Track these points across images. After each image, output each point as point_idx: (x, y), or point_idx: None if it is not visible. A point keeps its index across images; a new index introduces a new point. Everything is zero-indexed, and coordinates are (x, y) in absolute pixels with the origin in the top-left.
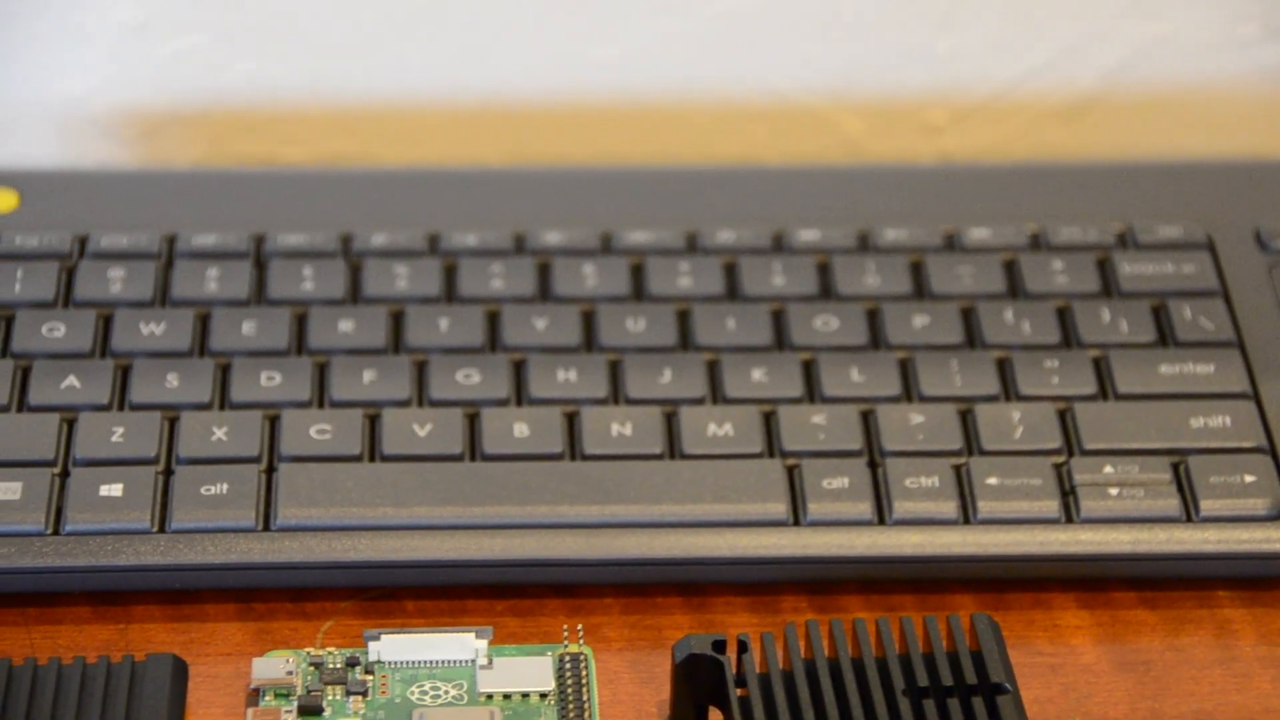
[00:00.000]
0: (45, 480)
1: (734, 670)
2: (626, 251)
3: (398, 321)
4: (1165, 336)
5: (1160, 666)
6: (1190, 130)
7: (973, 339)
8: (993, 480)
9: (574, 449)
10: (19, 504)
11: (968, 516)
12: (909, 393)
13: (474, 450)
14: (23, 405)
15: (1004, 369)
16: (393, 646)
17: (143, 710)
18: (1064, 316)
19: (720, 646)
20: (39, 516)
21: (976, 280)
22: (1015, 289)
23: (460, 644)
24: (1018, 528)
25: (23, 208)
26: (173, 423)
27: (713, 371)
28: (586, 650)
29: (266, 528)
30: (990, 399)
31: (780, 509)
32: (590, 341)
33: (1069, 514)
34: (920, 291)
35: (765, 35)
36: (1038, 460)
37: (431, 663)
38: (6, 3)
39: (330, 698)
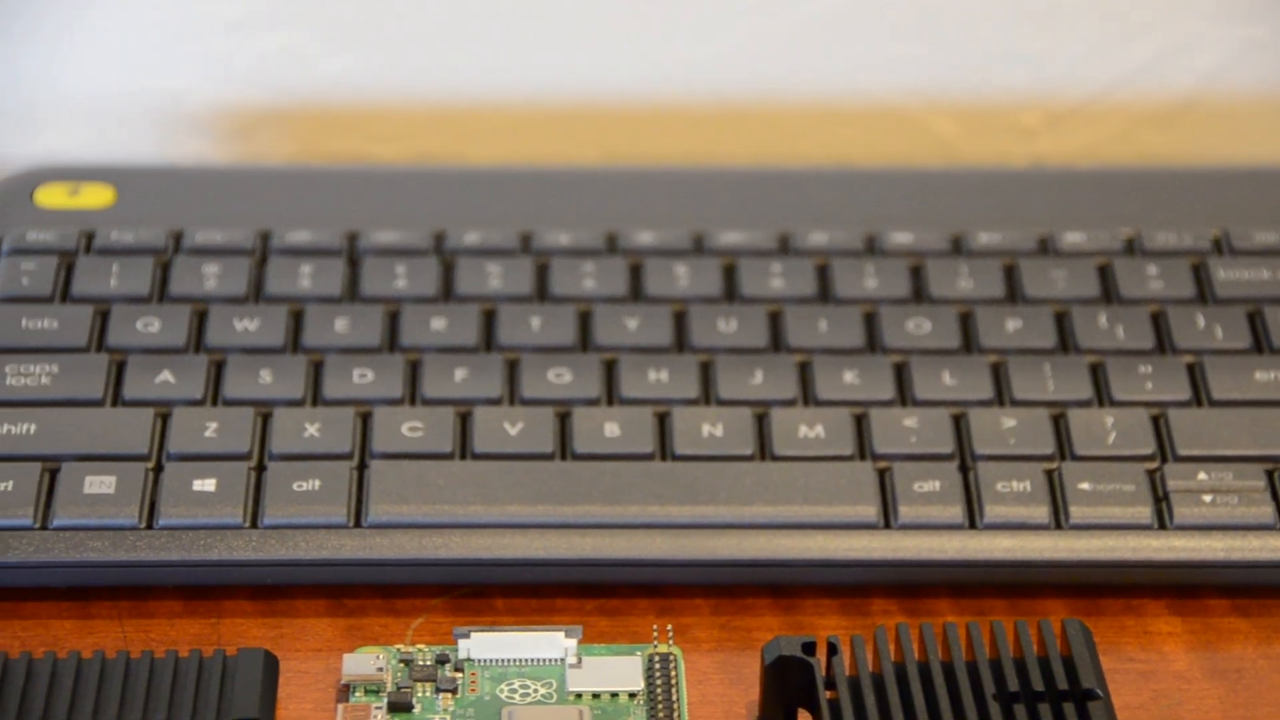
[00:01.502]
0: (139, 474)
1: (824, 672)
2: (718, 252)
3: (489, 320)
4: (1260, 343)
5: (1253, 675)
6: None
7: (1066, 343)
8: (1085, 485)
9: (665, 449)
10: (113, 498)
11: (1060, 521)
12: (1001, 396)
13: (565, 449)
14: (117, 399)
15: (1097, 374)
16: (482, 644)
17: (234, 704)
18: (1158, 322)
19: (810, 648)
20: (133, 510)
21: (1070, 284)
22: (1109, 294)
23: (550, 642)
24: (1110, 533)
25: (119, 203)
26: (265, 418)
27: (804, 373)
28: (676, 650)
29: (358, 524)
30: (1083, 404)
31: (871, 512)
32: (681, 342)
33: (1162, 520)
34: (1013, 295)
35: (858, 36)
36: (1131, 466)
37: (521, 661)
38: (104, 0)
39: (420, 695)
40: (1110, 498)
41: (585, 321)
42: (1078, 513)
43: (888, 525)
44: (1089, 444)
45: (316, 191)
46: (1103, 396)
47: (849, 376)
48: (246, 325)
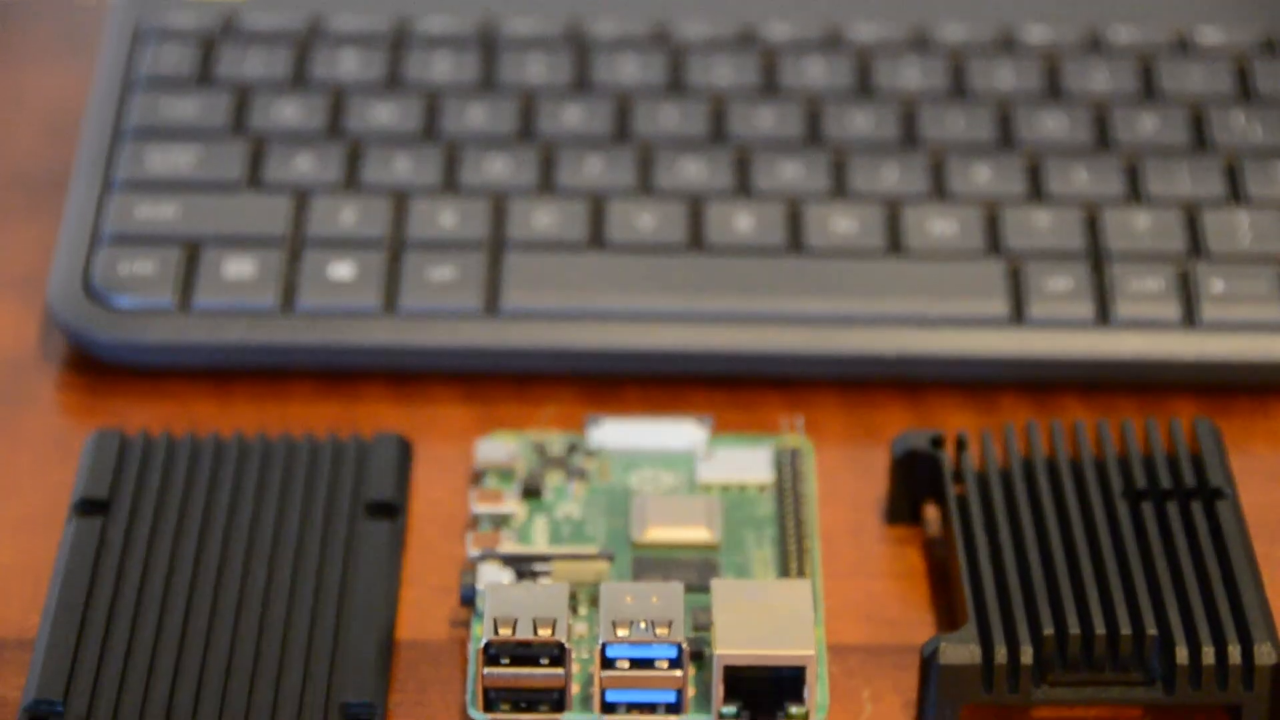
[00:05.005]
0: (277, 259)
1: (952, 467)
2: (852, 45)
3: (624, 111)
4: None
5: None
6: None
7: (1202, 141)
8: (1218, 284)
9: (796, 243)
10: (252, 281)
11: (1191, 320)
12: (1135, 194)
13: (697, 242)
14: (256, 183)
15: (1232, 172)
16: (614, 433)
17: (369, 487)
18: None
19: (938, 443)
20: (271, 294)
21: (1207, 81)
22: (1246, 91)
23: (681, 432)
24: (1241, 333)
25: None
26: (402, 206)
27: (937, 168)
28: (806, 443)
29: (492, 312)
30: (1217, 202)
31: (1001, 308)
32: (815, 135)
33: None
34: (1149, 92)
35: None
36: (1265, 266)
37: (652, 451)
38: None
39: (551, 482)
40: (1243, 297)
41: (718, 114)
42: (1210, 312)
43: (1018, 322)
44: (1222, 242)
45: None
46: (1238, 194)
47: (982, 172)
48: (383, 112)
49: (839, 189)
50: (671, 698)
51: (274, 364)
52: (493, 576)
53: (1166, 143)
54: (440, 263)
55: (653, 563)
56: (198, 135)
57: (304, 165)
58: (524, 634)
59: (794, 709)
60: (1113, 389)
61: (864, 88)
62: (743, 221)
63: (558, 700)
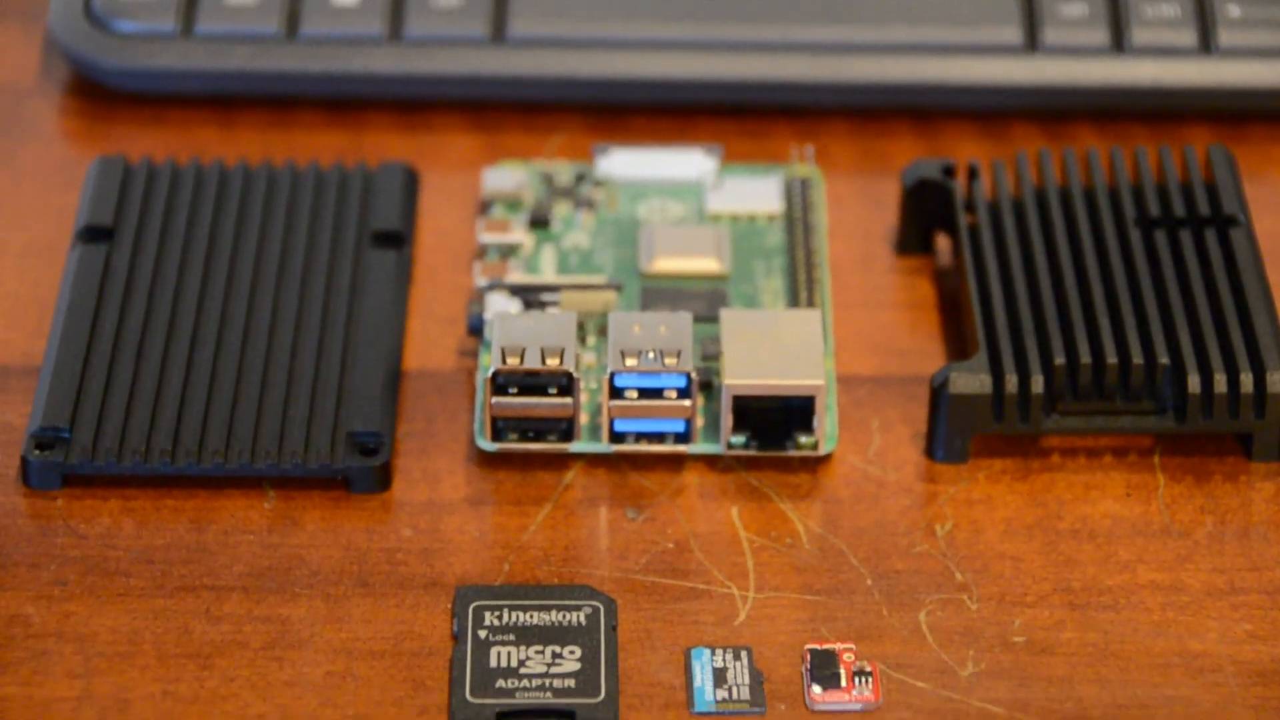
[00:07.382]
0: None
1: (963, 196)
2: None
3: None
4: None
5: None
6: None
7: None
8: (1234, 9)
9: None
10: (255, 7)
11: (1207, 47)
12: None
13: None
14: None
15: None
16: (622, 162)
17: (375, 216)
18: None
19: (950, 172)
20: (274, 20)
21: None
22: None
23: (689, 162)
24: (1257, 59)
25: None
26: None
27: None
28: (816, 172)
29: (499, 40)
30: None
31: (1015, 35)
32: None
33: None
34: None
35: None
36: None
37: (660, 180)
38: None
39: (559, 212)
40: (1260, 23)
41: None
42: (1226, 38)
43: (1032, 49)
44: None
45: None
46: None
47: None
48: None
49: None
50: (680, 427)
51: (278, 92)
52: (500, 306)
53: None
54: None
55: (661, 293)
56: None
57: None
58: (532, 363)
59: (803, 439)
60: (1127, 117)
61: None
62: None
63: (566, 430)
